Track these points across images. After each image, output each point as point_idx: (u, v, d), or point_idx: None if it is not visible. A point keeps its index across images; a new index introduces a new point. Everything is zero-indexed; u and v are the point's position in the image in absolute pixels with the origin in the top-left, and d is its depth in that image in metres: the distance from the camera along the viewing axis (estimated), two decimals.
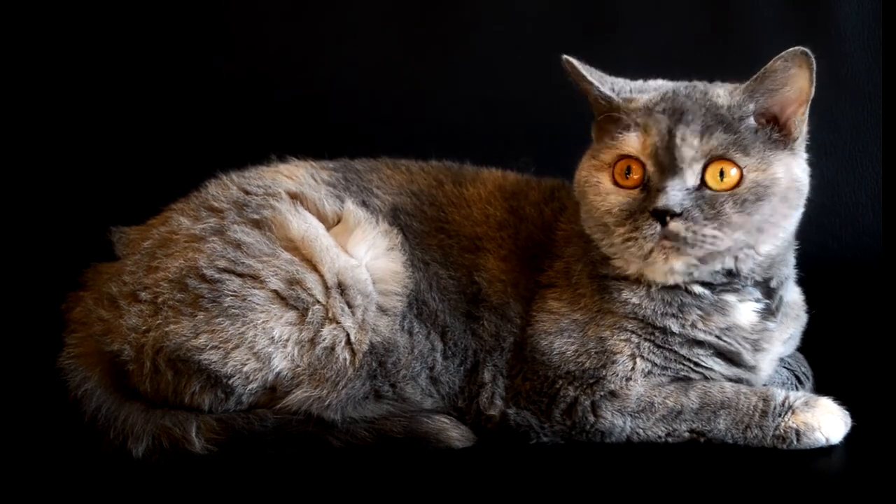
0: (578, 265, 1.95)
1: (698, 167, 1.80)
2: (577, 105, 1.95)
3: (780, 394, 1.88)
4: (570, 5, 2.75)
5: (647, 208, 1.79)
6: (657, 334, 1.89)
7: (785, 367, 2.05)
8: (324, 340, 1.89)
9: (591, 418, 1.90)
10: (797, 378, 2.05)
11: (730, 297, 1.90)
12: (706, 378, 1.92)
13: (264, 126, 2.77)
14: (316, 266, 1.91)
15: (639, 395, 1.89)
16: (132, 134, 2.80)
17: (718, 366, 1.92)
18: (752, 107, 1.83)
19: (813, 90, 1.83)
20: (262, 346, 1.87)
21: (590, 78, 1.89)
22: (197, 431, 1.88)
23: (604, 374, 1.89)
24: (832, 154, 2.64)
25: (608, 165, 1.87)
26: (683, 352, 1.90)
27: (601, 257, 1.91)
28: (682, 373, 1.91)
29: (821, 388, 2.03)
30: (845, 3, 2.65)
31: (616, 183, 1.86)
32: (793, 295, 2.02)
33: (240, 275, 1.89)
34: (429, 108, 2.76)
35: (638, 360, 1.90)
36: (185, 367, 1.89)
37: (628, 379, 1.89)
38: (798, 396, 1.89)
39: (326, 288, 1.90)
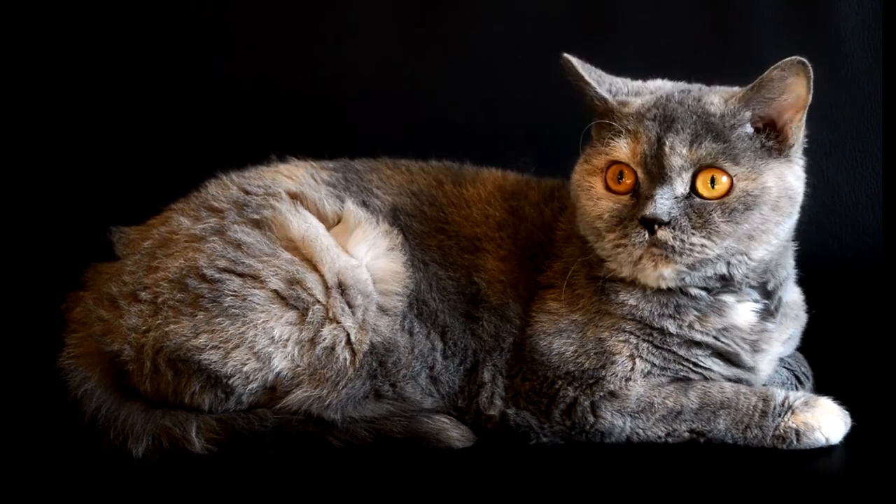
0: (577, 266, 1.95)
1: (687, 175, 1.80)
2: (577, 105, 1.95)
3: (779, 394, 1.88)
4: (570, 5, 2.75)
5: (636, 216, 1.80)
6: (655, 335, 1.90)
7: (785, 367, 2.05)
8: (324, 340, 1.89)
9: (591, 419, 1.90)
10: (797, 378, 2.05)
11: (728, 298, 1.90)
12: (705, 378, 1.92)
13: (264, 126, 2.77)
14: (316, 266, 1.91)
15: (638, 395, 1.89)
16: (132, 134, 2.80)
17: (717, 366, 1.92)
18: (747, 114, 1.82)
19: (810, 97, 1.82)
20: (263, 345, 1.87)
21: (587, 78, 1.89)
22: (197, 431, 1.88)
23: (603, 374, 1.89)
24: (832, 154, 2.64)
25: (600, 170, 1.87)
26: (682, 352, 1.90)
27: (598, 259, 1.91)
28: (682, 373, 1.91)
29: (821, 388, 2.03)
30: (845, 3, 2.65)
31: (608, 188, 1.86)
32: (792, 295, 2.02)
33: (240, 275, 1.89)
34: (429, 108, 2.76)
35: (637, 360, 1.90)
36: (185, 367, 1.89)
37: (628, 379, 1.89)
38: (798, 396, 1.89)
39: (327, 288, 1.90)
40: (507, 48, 2.76)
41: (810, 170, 1.91)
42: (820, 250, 2.51)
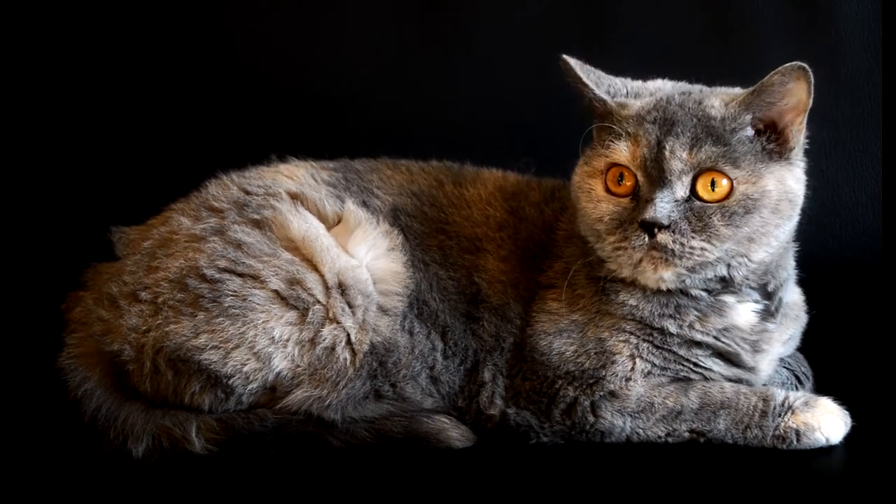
0: (577, 266, 1.95)
1: (687, 179, 1.80)
2: (577, 105, 1.95)
3: (779, 394, 1.89)
4: (570, 5, 2.75)
5: (636, 219, 1.80)
6: (655, 335, 1.90)
7: (785, 367, 2.05)
8: (324, 340, 1.89)
9: (591, 418, 1.90)
10: (797, 378, 2.05)
11: (728, 299, 1.90)
12: (706, 378, 1.92)
13: (264, 126, 2.77)
14: (316, 266, 1.91)
15: (639, 395, 1.89)
16: (132, 134, 2.80)
17: (717, 366, 1.92)
18: (748, 117, 1.82)
19: (811, 101, 1.81)
20: (263, 346, 1.87)
21: (585, 80, 1.89)
22: (197, 431, 1.88)
23: (603, 374, 1.89)
24: (832, 154, 2.64)
25: (600, 172, 1.87)
26: (682, 352, 1.90)
27: (598, 259, 1.91)
28: (682, 373, 1.91)
29: (821, 388, 2.03)
30: (845, 3, 2.65)
31: (608, 190, 1.86)
32: (793, 295, 2.02)
33: (240, 275, 1.89)
34: (429, 108, 2.76)
35: (637, 360, 1.90)
36: (185, 367, 1.89)
37: (628, 379, 1.89)
38: (798, 396, 1.89)
39: (327, 288, 1.90)
40: (507, 48, 2.76)
41: (810, 170, 1.91)
42: (820, 250, 2.51)
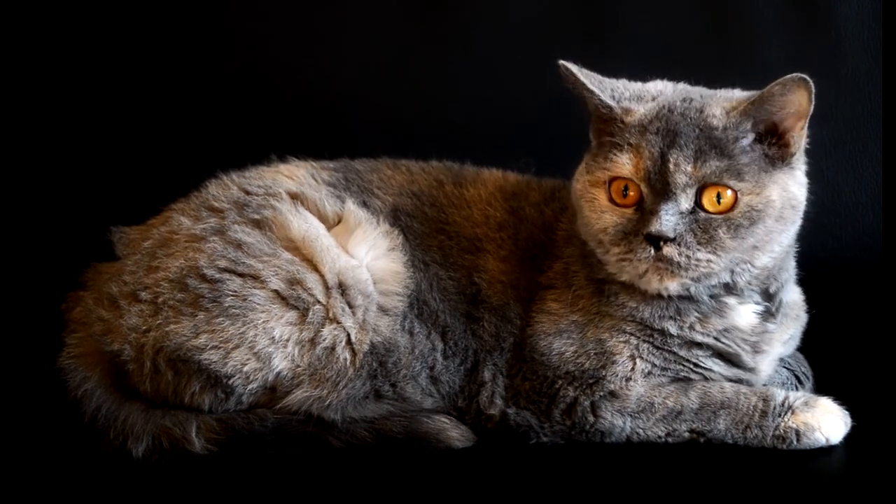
0: (577, 266, 1.95)
1: (692, 192, 1.79)
2: (578, 105, 1.94)
3: (779, 394, 1.89)
4: (570, 5, 2.75)
5: (641, 231, 1.79)
6: (656, 336, 1.90)
7: (785, 367, 2.05)
8: (324, 340, 1.89)
9: (591, 418, 1.90)
10: (797, 378, 2.05)
11: (729, 300, 1.90)
12: (706, 379, 1.92)
13: (264, 126, 2.77)
14: (316, 266, 1.91)
15: (639, 395, 1.89)
16: (132, 134, 2.80)
17: (718, 367, 1.92)
18: (748, 125, 1.81)
19: (812, 108, 1.81)
20: (263, 346, 1.87)
21: (590, 86, 1.87)
22: (197, 431, 1.88)
23: (603, 374, 1.89)
24: (832, 154, 2.64)
25: (603, 183, 1.86)
26: (682, 353, 1.90)
27: (598, 260, 1.90)
28: (682, 373, 1.91)
29: (821, 388, 2.03)
30: (845, 3, 2.65)
31: (612, 200, 1.85)
32: (793, 295, 2.02)
33: (240, 275, 1.89)
34: (429, 108, 2.76)
35: (637, 360, 1.90)
36: (185, 367, 1.89)
37: (628, 379, 1.89)
38: (798, 396, 1.89)
39: (327, 288, 1.90)
40: (507, 48, 2.76)
41: (810, 170, 1.91)
42: (820, 250, 2.51)
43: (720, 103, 1.84)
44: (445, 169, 2.15)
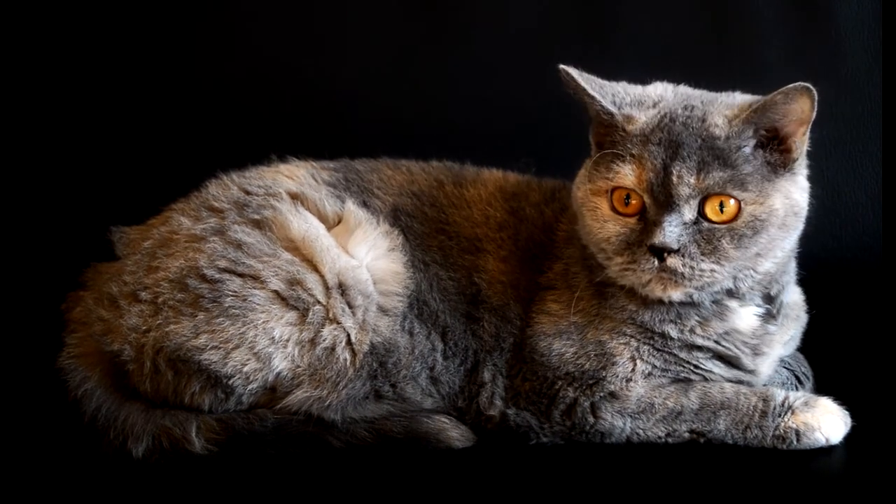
0: (577, 267, 1.95)
1: (695, 203, 1.79)
2: (578, 106, 1.94)
3: (779, 394, 1.88)
4: (570, 5, 2.75)
5: (645, 242, 1.79)
6: (656, 338, 1.89)
7: (785, 368, 2.05)
8: (324, 341, 1.89)
9: (591, 419, 1.90)
10: (797, 378, 2.05)
11: (731, 303, 1.90)
12: (706, 379, 1.92)
13: (264, 126, 2.77)
14: (316, 266, 1.91)
15: (639, 396, 1.89)
16: (132, 134, 2.80)
17: (718, 368, 1.92)
18: (750, 132, 1.81)
19: (814, 114, 1.80)
20: (263, 346, 1.87)
21: (591, 92, 1.86)
22: (197, 431, 1.88)
23: (603, 375, 1.89)
24: (832, 154, 2.64)
25: (605, 192, 1.85)
26: (683, 355, 1.90)
27: (598, 264, 1.90)
28: (682, 375, 1.91)
29: (821, 388, 2.03)
30: (845, 3, 2.65)
31: (614, 209, 1.84)
32: (793, 296, 2.02)
33: (240, 275, 1.89)
34: (429, 108, 2.76)
35: (638, 361, 1.90)
36: (185, 368, 1.89)
37: (628, 380, 1.89)
38: (798, 396, 1.89)
39: (327, 288, 1.90)
40: (507, 48, 2.76)
41: (810, 170, 1.91)
42: (820, 250, 2.50)
43: (722, 111, 1.83)
44: (445, 169, 2.15)
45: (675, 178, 1.78)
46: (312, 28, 2.80)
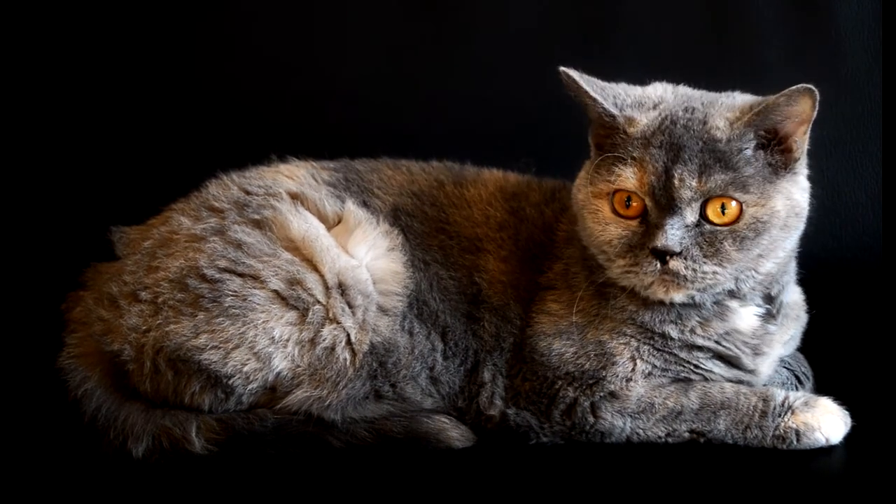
0: (577, 268, 1.95)
1: (697, 205, 1.79)
2: (578, 106, 1.94)
3: (779, 394, 1.89)
4: (570, 5, 2.75)
5: (647, 245, 1.79)
6: (656, 339, 1.90)
7: (785, 367, 2.05)
8: (324, 340, 1.89)
9: (591, 419, 1.90)
10: (797, 378, 2.05)
11: (731, 303, 1.90)
12: (706, 379, 1.92)
13: (264, 126, 2.77)
14: (316, 266, 1.91)
15: (639, 395, 1.89)
16: (132, 134, 2.79)
17: (718, 368, 1.92)
18: (751, 134, 1.80)
19: (815, 114, 1.80)
20: (263, 346, 1.87)
21: (593, 94, 1.85)
22: (197, 431, 1.88)
23: (604, 374, 1.89)
24: (832, 154, 2.64)
25: (606, 195, 1.85)
26: (683, 355, 1.90)
27: (598, 265, 1.90)
28: (682, 374, 1.91)
29: (821, 388, 2.03)
30: (845, 3, 2.65)
31: (615, 212, 1.84)
32: (793, 296, 2.02)
33: (240, 275, 1.89)
34: (429, 108, 2.76)
35: (638, 361, 1.90)
36: (185, 367, 1.89)
37: (628, 380, 1.89)
38: (798, 396, 1.89)
39: (327, 288, 1.90)
40: (507, 48, 2.76)
41: (810, 170, 1.91)
42: (820, 250, 2.50)
43: (723, 114, 1.82)
44: (446, 169, 2.15)
45: (676, 182, 1.78)
46: (312, 28, 2.80)
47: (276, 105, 2.80)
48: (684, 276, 1.79)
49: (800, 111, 1.79)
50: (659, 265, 1.79)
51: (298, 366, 1.89)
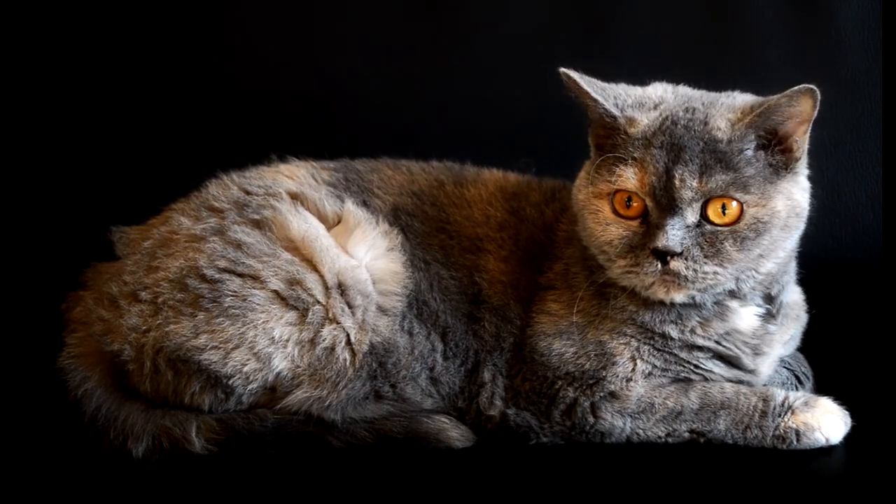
0: (577, 268, 1.95)
1: (697, 206, 1.79)
2: (578, 106, 1.94)
3: (779, 394, 1.89)
4: (570, 5, 2.75)
5: (648, 245, 1.79)
6: (656, 339, 1.89)
7: (785, 367, 2.05)
8: (324, 341, 1.89)
9: (591, 419, 1.90)
10: (797, 378, 2.05)
11: (731, 303, 1.90)
12: (706, 379, 1.92)
13: (265, 126, 2.77)
14: (316, 266, 1.91)
15: (639, 396, 1.89)
16: (132, 134, 2.80)
17: (718, 368, 1.92)
18: (752, 135, 1.80)
19: (815, 113, 1.80)
20: (263, 346, 1.87)
21: (594, 95, 1.85)
22: (197, 431, 1.88)
23: (604, 375, 1.89)
24: (832, 154, 2.64)
25: (607, 195, 1.85)
26: (683, 355, 1.90)
27: (599, 265, 1.90)
28: (683, 374, 1.91)
29: (821, 388, 2.03)
30: (845, 3, 2.65)
31: (616, 212, 1.84)
32: (793, 296, 2.02)
33: (240, 275, 1.89)
34: (429, 108, 2.76)
35: (638, 361, 1.90)
36: (185, 368, 1.89)
37: (628, 380, 1.89)
38: (798, 396, 1.89)
39: (326, 288, 1.90)
40: (507, 48, 2.76)
41: (811, 170, 1.91)
42: (820, 250, 2.50)
43: (724, 114, 1.82)
44: (446, 169, 2.15)
45: (677, 182, 1.78)
46: (312, 28, 2.80)
47: (276, 105, 2.80)
48: (685, 277, 1.79)
49: (801, 111, 1.79)
50: (660, 265, 1.79)
51: (298, 366, 1.89)
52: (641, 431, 1.90)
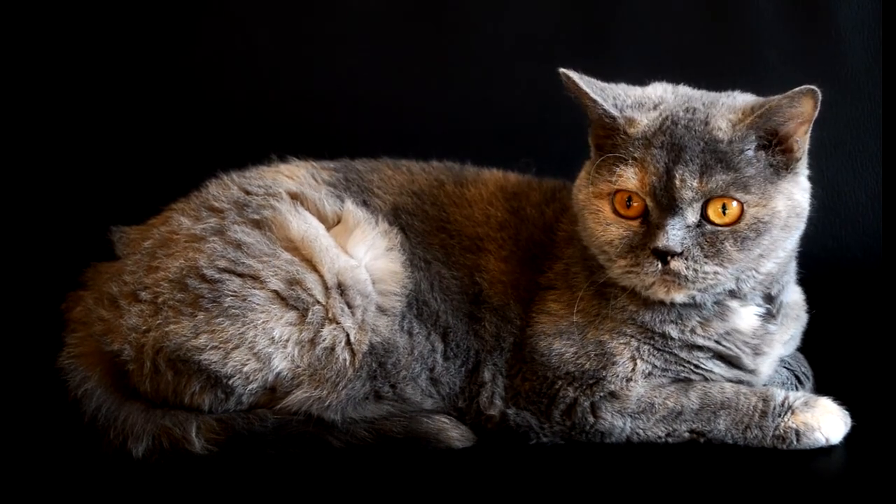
0: (577, 267, 1.95)
1: (698, 206, 1.79)
2: (578, 106, 1.94)
3: (779, 394, 1.89)
4: (570, 5, 2.75)
5: (648, 245, 1.79)
6: (657, 339, 1.89)
7: (785, 367, 2.05)
8: (324, 341, 1.89)
9: (591, 419, 1.90)
10: (797, 378, 2.05)
11: (732, 303, 1.90)
12: (706, 379, 1.92)
13: (265, 126, 2.77)
14: (316, 266, 1.91)
15: (639, 395, 1.89)
16: (132, 134, 2.80)
17: (718, 368, 1.92)
18: (753, 136, 1.80)
19: (816, 113, 1.80)
20: (263, 346, 1.87)
21: (593, 95, 1.85)
22: (197, 431, 1.88)
23: (604, 374, 1.89)
24: (832, 154, 2.64)
25: (607, 195, 1.85)
26: (683, 355, 1.90)
27: (599, 265, 1.90)
28: (683, 374, 1.91)
29: (821, 388, 2.03)
30: (845, 3, 2.65)
31: (616, 212, 1.84)
32: (793, 295, 2.02)
33: (240, 275, 1.89)
34: (429, 108, 2.76)
35: (638, 361, 1.90)
36: (185, 368, 1.89)
37: (628, 380, 1.89)
38: (798, 396, 1.89)
39: (326, 288, 1.90)
40: (507, 48, 2.76)
41: (811, 170, 1.91)
42: (820, 250, 2.50)
43: (725, 115, 1.82)
44: (446, 169, 2.15)
45: (678, 182, 1.78)
46: (312, 28, 2.80)
47: (276, 105, 2.80)
48: (685, 277, 1.79)
49: (802, 112, 1.79)
50: (660, 265, 1.79)
51: (298, 366, 1.89)
52: (641, 431, 1.90)
